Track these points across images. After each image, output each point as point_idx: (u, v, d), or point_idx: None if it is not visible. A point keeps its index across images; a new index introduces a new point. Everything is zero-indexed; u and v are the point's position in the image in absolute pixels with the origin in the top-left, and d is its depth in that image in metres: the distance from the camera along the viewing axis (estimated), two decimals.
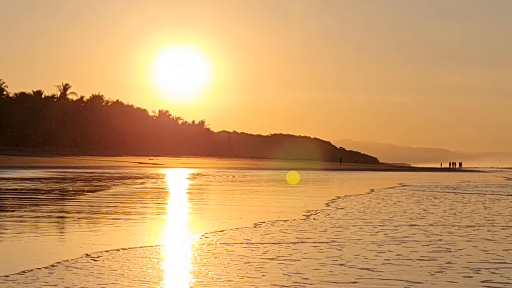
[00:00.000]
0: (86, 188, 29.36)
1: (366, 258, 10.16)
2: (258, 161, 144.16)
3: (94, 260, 9.52)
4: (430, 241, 12.28)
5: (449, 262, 9.96)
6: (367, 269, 9.29)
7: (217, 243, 11.63)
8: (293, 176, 49.04)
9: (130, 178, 44.08)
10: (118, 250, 10.52)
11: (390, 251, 10.99)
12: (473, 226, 15.20)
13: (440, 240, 12.53)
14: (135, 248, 10.78)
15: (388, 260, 10.10)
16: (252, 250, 10.74)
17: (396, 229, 14.16)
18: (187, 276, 8.62)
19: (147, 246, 10.98)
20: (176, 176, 51.81)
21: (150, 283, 8.07)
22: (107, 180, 38.85)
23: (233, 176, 54.15)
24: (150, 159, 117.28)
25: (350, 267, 9.40)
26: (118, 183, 35.42)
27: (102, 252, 10.27)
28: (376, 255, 10.51)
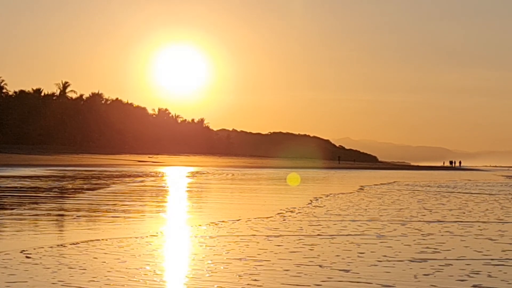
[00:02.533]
0: (85, 186, 29.39)
1: (352, 259, 9.70)
2: (257, 160, 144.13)
3: (27, 257, 9.46)
4: (423, 241, 11.88)
5: (446, 264, 9.43)
6: (344, 270, 8.82)
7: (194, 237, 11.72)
8: (293, 177, 48.94)
9: (129, 176, 44.10)
10: (64, 245, 10.55)
11: (372, 251, 10.53)
12: (478, 224, 15.23)
13: (433, 239, 12.21)
14: (78, 243, 10.84)
15: (371, 260, 9.60)
16: (214, 248, 10.68)
17: (385, 228, 14.04)
18: (124, 273, 8.40)
19: (89, 241, 11.03)
20: (176, 174, 51.83)
21: (65, 281, 7.92)
22: (107, 178, 38.88)
23: (233, 175, 54.18)
24: (149, 157, 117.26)
25: (326, 268, 8.95)
26: (117, 181, 35.45)
27: (43, 247, 10.29)
28: (358, 255, 10.05)
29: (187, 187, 32.72)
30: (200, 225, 14.03)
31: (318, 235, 12.67)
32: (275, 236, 12.25)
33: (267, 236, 12.32)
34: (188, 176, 48.28)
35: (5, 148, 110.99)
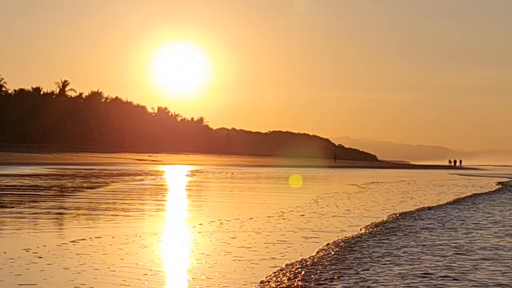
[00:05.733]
0: (85, 185, 29.33)
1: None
2: (257, 158, 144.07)
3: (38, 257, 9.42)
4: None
5: None
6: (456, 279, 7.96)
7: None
8: (295, 179, 48.85)
9: (129, 175, 44.05)
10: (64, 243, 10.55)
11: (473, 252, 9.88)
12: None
13: None
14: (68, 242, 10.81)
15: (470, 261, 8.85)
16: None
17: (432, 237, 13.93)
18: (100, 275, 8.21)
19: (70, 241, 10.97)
20: (175, 173, 51.79)
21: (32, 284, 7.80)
22: (106, 177, 38.83)
23: (232, 173, 54.12)
24: (149, 156, 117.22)
25: (432, 275, 8.10)
26: (117, 180, 35.39)
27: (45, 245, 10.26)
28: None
29: (187, 186, 32.67)
30: (222, 223, 13.90)
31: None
32: (314, 237, 11.80)
33: (306, 237, 11.83)
34: (188, 175, 48.23)
35: (4, 147, 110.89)
